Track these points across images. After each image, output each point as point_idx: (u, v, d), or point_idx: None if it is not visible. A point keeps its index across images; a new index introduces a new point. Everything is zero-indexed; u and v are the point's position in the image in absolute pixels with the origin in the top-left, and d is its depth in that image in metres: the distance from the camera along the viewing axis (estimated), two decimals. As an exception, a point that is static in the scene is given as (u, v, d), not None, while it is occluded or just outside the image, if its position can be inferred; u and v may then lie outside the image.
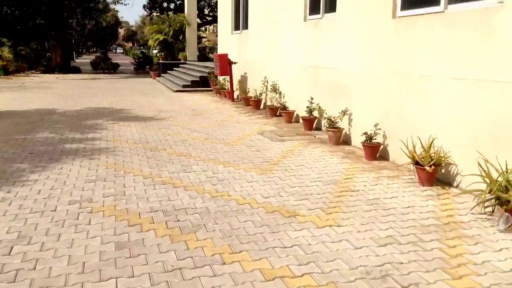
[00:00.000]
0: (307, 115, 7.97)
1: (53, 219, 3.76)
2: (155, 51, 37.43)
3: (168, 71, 20.38)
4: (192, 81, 15.37)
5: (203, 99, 12.94)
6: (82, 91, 14.62)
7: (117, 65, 26.52)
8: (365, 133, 5.96)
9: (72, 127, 8.03)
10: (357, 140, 6.52)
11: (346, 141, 7.01)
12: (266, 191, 4.60)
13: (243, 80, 12.14)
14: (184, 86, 15.16)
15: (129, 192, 4.52)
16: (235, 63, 12.26)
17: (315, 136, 7.46)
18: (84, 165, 5.49)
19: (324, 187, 4.76)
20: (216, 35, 36.88)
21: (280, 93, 9.70)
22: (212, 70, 15.13)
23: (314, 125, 7.98)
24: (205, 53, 24.14)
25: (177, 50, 21.97)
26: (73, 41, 46.44)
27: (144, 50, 33.83)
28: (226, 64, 12.05)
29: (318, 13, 8.00)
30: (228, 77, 12.58)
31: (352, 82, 6.83)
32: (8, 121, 8.57)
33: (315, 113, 7.94)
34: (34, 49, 28.80)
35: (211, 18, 29.75)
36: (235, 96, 12.53)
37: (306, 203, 4.26)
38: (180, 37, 21.54)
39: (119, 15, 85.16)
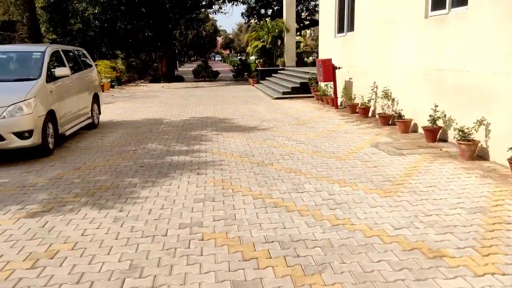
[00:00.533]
0: (430, 124, 7.01)
1: (164, 246, 3.49)
2: (252, 58, 38.10)
3: (266, 78, 20.27)
4: (293, 88, 14.95)
5: (305, 106, 12.43)
6: (186, 100, 15.01)
7: (217, 72, 27.23)
8: (513, 149, 4.93)
9: (178, 138, 8.03)
10: (499, 155, 5.47)
11: (483, 156, 5.96)
12: (396, 220, 3.90)
13: (348, 86, 11.39)
14: (284, 93, 14.81)
15: (239, 215, 4.13)
16: (339, 68, 11.56)
17: (441, 149, 6.50)
18: (192, 181, 5.27)
19: (469, 217, 3.92)
20: (313, 39, 36.26)
21: (392, 99, 8.81)
22: (313, 76, 14.60)
23: (438, 136, 7.00)
24: (302, 58, 23.68)
25: (275, 56, 21.81)
26: (176, 51, 49.26)
27: (242, 57, 34.43)
28: (330, 70, 11.40)
29: (443, 7, 7.02)
30: (331, 83, 11.93)
31: (491, 86, 5.78)
32: (121, 131, 8.88)
33: (439, 123, 6.96)
34: (143, 60, 30.87)
35: (308, 22, 29.24)
36: (338, 103, 11.81)
37: (452, 238, 3.49)
38: (278, 43, 21.33)
39: (217, 24, 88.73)
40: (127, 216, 4.20)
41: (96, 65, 21.45)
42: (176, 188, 5.02)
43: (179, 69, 46.71)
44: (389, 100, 8.91)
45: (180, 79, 26.31)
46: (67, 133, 7.41)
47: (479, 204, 4.22)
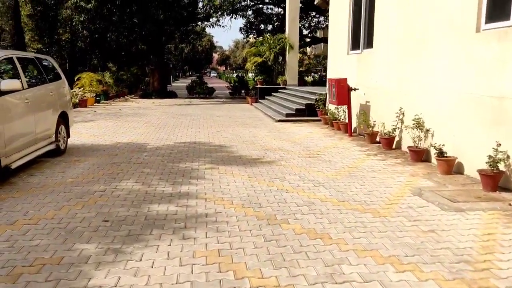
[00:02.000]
0: (489, 168, 5.39)
1: None
2: (250, 75, 36.65)
3: (266, 97, 18.72)
4: (297, 110, 13.36)
5: (313, 132, 10.81)
6: (177, 120, 13.34)
7: (213, 89, 25.68)
8: None
9: (162, 173, 6.32)
10: None
11: None
12: None
13: (365, 111, 9.81)
14: (287, 115, 13.21)
15: None
16: (355, 89, 9.99)
17: (510, 204, 4.87)
18: (173, 254, 3.56)
19: None
20: (314, 58, 34.99)
21: (426, 130, 7.21)
22: (320, 97, 13.07)
23: (498, 184, 5.38)
24: (303, 77, 22.23)
25: (276, 73, 20.32)
26: (171, 65, 47.83)
27: (239, 74, 33.02)
28: (345, 91, 9.83)
29: (506, 18, 5.49)
30: (342, 106, 10.36)
31: None
32: (92, 161, 7.16)
33: (501, 166, 5.35)
34: (134, 74, 29.28)
35: (309, 40, 27.93)
36: (353, 130, 10.21)
37: None
38: (280, 60, 19.86)
39: (214, 40, 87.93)
40: (57, 334, 2.48)
41: (79, 78, 19.96)
42: (149, 268, 3.31)
43: (173, 84, 45.18)
44: (421, 131, 7.31)
45: (172, 95, 24.69)
46: (14, 165, 5.67)
47: None
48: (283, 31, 21.48)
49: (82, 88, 18.31)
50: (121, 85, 25.05)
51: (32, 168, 6.51)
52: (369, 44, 9.98)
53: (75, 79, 19.38)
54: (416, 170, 6.55)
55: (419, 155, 7.12)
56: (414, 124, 7.38)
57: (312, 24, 26.69)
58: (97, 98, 19.35)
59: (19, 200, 4.98)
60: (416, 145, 7.35)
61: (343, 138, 9.74)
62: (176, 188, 5.54)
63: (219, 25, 23.42)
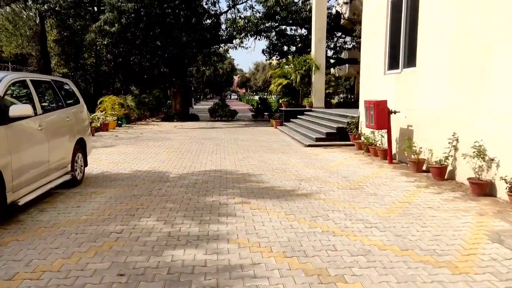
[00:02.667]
0: None
1: None
2: (273, 97, 36.10)
3: (291, 119, 18.00)
4: (328, 134, 12.53)
5: (348, 158, 9.94)
6: (200, 144, 12.66)
7: (235, 112, 25.10)
8: None
9: (187, 209, 5.56)
10: None
11: None
12: None
13: (409, 136, 8.93)
14: (317, 139, 12.38)
15: None
16: (395, 112, 9.13)
17: None
18: (205, 328, 2.75)
19: None
20: (334, 80, 34.24)
21: (490, 160, 6.27)
22: (352, 120, 12.24)
23: None
24: (330, 99, 21.45)
25: (302, 95, 19.62)
26: (192, 88, 47.86)
27: (262, 96, 32.48)
28: (384, 114, 8.98)
29: None
30: (381, 130, 9.50)
31: None
32: (110, 193, 6.46)
33: None
34: (156, 97, 29.06)
35: (334, 61, 27.23)
36: (393, 156, 9.31)
37: None
38: (305, 81, 19.17)
39: (234, 62, 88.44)
40: None
41: (101, 101, 19.66)
42: None
43: (194, 106, 45.06)
44: (483, 160, 6.38)
45: (194, 118, 24.21)
46: (22, 201, 4.99)
47: None
48: (307, 53, 20.90)
49: (104, 112, 17.94)
50: (143, 108, 24.75)
51: (44, 202, 5.84)
52: (410, 62, 9.16)
53: (98, 102, 19.08)
54: (483, 208, 5.60)
55: (482, 189, 6.17)
56: (474, 152, 6.45)
57: (338, 45, 26.01)
58: (119, 122, 18.96)
59: (24, 245, 4.27)
60: (478, 176, 6.40)
61: (383, 166, 8.84)
62: (203, 229, 4.75)
63: (243, 46, 22.87)
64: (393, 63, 10.11)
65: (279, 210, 5.50)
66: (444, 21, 7.66)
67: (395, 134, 9.49)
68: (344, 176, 7.81)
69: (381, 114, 8.94)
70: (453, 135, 7.20)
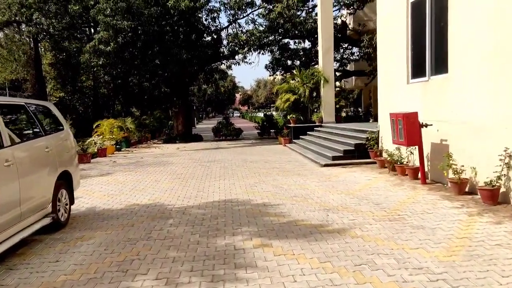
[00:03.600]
0: None
1: None
2: (275, 113, 35.08)
3: (301, 136, 16.90)
4: (345, 151, 11.39)
5: (373, 179, 8.79)
6: (206, 168, 11.55)
7: (240, 130, 24.04)
8: None
9: (194, 260, 4.40)
10: None
11: None
12: None
13: (440, 152, 7.80)
14: (334, 158, 11.24)
15: None
16: (426, 125, 8.02)
17: None
18: None
19: None
20: (341, 92, 33.28)
21: (561, 179, 5.13)
22: (372, 136, 11.13)
23: None
24: (339, 114, 20.39)
25: (310, 110, 18.58)
26: (194, 107, 47.00)
27: (267, 112, 31.47)
28: (415, 128, 7.87)
29: None
30: (409, 147, 8.37)
31: None
32: (100, 238, 5.32)
33: None
34: (157, 118, 28.10)
35: (340, 73, 26.28)
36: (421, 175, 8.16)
37: None
38: (313, 95, 18.14)
39: (236, 80, 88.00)
40: None
41: (98, 125, 18.64)
42: None
43: (197, 126, 44.13)
44: (552, 181, 5.23)
45: (198, 138, 23.14)
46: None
47: None
48: (311, 66, 19.93)
49: (101, 136, 16.89)
50: (144, 130, 23.75)
51: (15, 256, 4.70)
52: (440, 69, 8.09)
53: (94, 126, 18.06)
54: None
55: (555, 216, 5.01)
56: (537, 170, 5.31)
57: (344, 56, 25.06)
58: (118, 146, 17.89)
59: (-27, 329, 3.14)
60: (546, 200, 5.25)
61: (416, 188, 7.69)
62: (217, 291, 3.60)
63: (246, 61, 21.91)
64: (417, 71, 9.04)
65: (310, 256, 4.34)
66: (485, 18, 6.60)
67: (426, 150, 8.36)
68: (376, 202, 6.66)
69: (412, 128, 7.83)
70: (504, 151, 6.06)
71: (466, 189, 7.00)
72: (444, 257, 4.18)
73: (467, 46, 7.07)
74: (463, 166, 7.02)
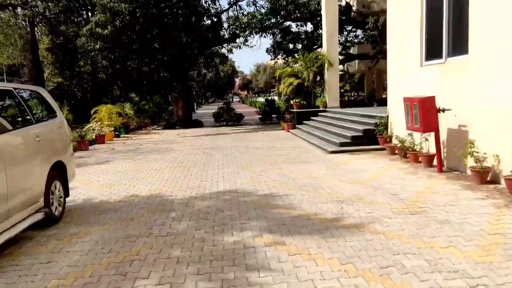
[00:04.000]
0: None
1: None
2: (276, 98, 34.45)
3: (304, 122, 16.43)
4: (353, 137, 10.93)
5: (384, 167, 8.35)
6: (208, 156, 11.10)
7: (241, 116, 23.52)
8: None
9: (200, 261, 3.98)
10: None
11: None
12: None
13: (457, 138, 7.35)
14: (341, 144, 10.78)
15: None
16: (444, 110, 7.53)
17: None
18: None
19: None
20: (345, 75, 32.67)
21: None
22: (381, 121, 10.66)
23: None
24: (344, 98, 19.85)
25: (314, 95, 18.05)
26: (194, 93, 46.39)
27: (268, 97, 30.92)
28: (433, 114, 7.40)
29: None
30: (425, 133, 7.90)
31: None
32: (97, 233, 4.90)
33: None
34: (157, 103, 27.56)
35: (344, 57, 25.64)
36: (437, 163, 7.71)
37: None
38: (318, 80, 17.59)
39: (235, 64, 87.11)
40: None
41: (96, 111, 18.12)
42: None
43: (197, 111, 43.56)
44: None
45: (198, 124, 22.65)
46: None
47: None
48: (313, 50, 19.33)
49: (99, 122, 16.39)
50: (143, 116, 23.25)
51: (3, 256, 4.28)
52: (458, 49, 7.58)
53: (91, 112, 17.54)
54: None
55: None
56: None
57: (348, 39, 24.40)
58: (117, 132, 17.41)
59: None
60: None
61: (432, 176, 7.25)
62: (228, 298, 3.18)
63: (247, 45, 21.29)
64: (432, 52, 8.52)
65: (329, 256, 3.92)
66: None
67: (442, 136, 7.90)
68: (392, 193, 6.22)
69: (429, 113, 7.36)
70: (535, 137, 5.61)
71: (488, 178, 6.56)
72: (480, 257, 3.75)
73: (491, 24, 6.54)
74: (485, 153, 6.56)
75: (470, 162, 6.84)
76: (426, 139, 8.35)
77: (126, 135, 18.25)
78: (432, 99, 7.44)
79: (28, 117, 5.06)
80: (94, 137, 15.08)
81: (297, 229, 4.75)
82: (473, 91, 7.06)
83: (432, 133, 7.82)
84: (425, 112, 7.35)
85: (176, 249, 4.28)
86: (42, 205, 4.94)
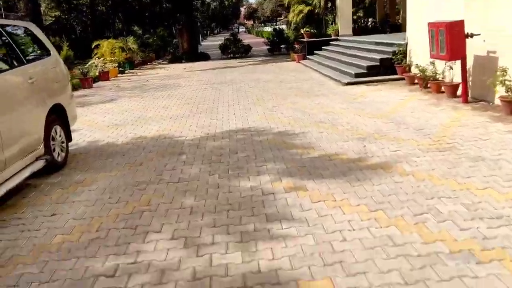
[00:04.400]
0: None
1: None
2: (284, 26, 32.85)
3: (315, 52, 15.61)
4: (369, 67, 10.27)
5: (404, 98, 7.84)
6: (217, 91, 10.60)
7: (249, 47, 22.53)
8: None
9: (215, 211, 3.67)
10: None
11: None
12: None
13: (485, 66, 6.74)
14: (357, 75, 10.18)
15: None
16: (472, 35, 6.84)
17: None
18: None
19: None
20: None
21: None
22: (400, 49, 9.96)
23: None
24: (359, 25, 18.72)
25: (325, 23, 17.02)
26: (198, 24, 44.59)
27: (276, 27, 29.52)
28: (461, 39, 6.72)
29: None
30: (451, 61, 7.26)
31: None
32: (104, 180, 4.61)
33: None
34: (161, 36, 26.48)
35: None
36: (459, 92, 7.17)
37: None
38: (329, 6, 16.48)
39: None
40: None
41: (97, 45, 17.33)
42: None
43: (202, 43, 42.18)
44: None
45: (205, 57, 21.80)
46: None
47: None
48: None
49: (102, 58, 15.73)
50: (147, 50, 22.40)
51: (5, 208, 4.02)
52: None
53: (92, 47, 16.80)
54: None
55: None
56: None
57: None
58: (121, 68, 16.79)
59: None
60: None
61: (457, 108, 6.75)
62: (249, 257, 2.88)
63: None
64: (461, -31, 7.60)
65: (356, 202, 3.59)
66: None
67: (468, 64, 7.27)
68: (416, 128, 5.79)
69: (457, 39, 6.68)
70: None
71: (520, 109, 6.06)
72: (525, 202, 3.39)
73: None
74: (517, 82, 6.00)
75: (500, 91, 6.30)
76: (451, 68, 7.71)
77: (131, 71, 17.64)
78: (460, 23, 6.72)
79: (17, 57, 4.57)
80: (97, 74, 14.53)
81: (319, 172, 4.39)
82: (504, 14, 6.32)
83: (458, 61, 7.20)
84: (452, 38, 6.67)
85: (189, 197, 3.97)
86: (42, 152, 4.61)
